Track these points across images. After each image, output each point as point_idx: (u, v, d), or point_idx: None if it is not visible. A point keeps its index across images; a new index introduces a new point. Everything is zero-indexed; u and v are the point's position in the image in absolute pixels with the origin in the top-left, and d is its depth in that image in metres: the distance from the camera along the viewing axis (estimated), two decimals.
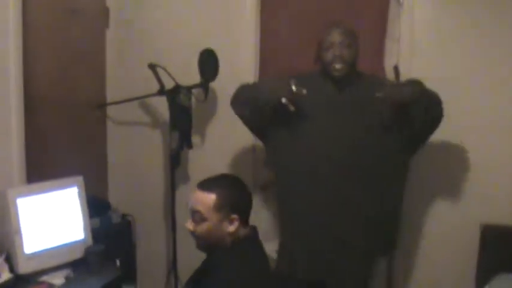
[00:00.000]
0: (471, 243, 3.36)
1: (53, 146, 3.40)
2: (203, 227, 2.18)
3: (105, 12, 3.85)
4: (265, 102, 2.83)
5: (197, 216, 2.19)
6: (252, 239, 2.27)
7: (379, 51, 3.50)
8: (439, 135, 3.38)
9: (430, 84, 3.36)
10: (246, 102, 2.97)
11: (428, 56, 3.43)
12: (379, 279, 3.60)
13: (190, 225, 2.22)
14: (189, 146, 3.52)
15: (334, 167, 2.85)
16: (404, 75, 3.41)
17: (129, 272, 3.50)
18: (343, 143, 2.85)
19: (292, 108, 2.75)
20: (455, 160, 3.45)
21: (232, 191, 2.22)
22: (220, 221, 2.16)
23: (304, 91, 2.74)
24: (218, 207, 2.16)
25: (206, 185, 2.23)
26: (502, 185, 3.38)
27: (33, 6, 3.17)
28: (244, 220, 2.22)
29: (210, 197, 2.17)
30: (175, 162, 3.48)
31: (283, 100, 2.74)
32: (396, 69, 3.42)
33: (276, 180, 3.13)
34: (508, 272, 3.05)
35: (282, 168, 3.04)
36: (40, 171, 3.16)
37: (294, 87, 2.73)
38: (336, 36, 2.83)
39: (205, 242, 2.22)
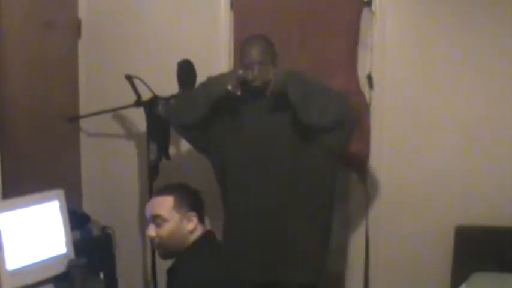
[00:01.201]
0: (446, 244, 3.44)
1: (26, 159, 3.36)
2: (166, 229, 2.30)
3: (77, 23, 3.82)
4: (216, 95, 2.93)
5: (159, 219, 2.30)
6: (210, 237, 2.41)
7: (351, 60, 3.54)
8: (413, 138, 3.48)
9: (403, 92, 3.47)
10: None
11: (401, 65, 3.51)
12: (355, 278, 3.68)
13: (153, 231, 2.32)
14: (167, 157, 3.52)
15: (263, 173, 2.95)
16: (377, 84, 3.51)
17: (111, 284, 3.47)
18: (269, 147, 2.95)
19: (238, 92, 2.85)
20: (428, 162, 3.53)
21: (187, 192, 2.41)
22: (180, 220, 2.30)
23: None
24: (177, 207, 2.31)
25: (163, 190, 2.41)
26: (474, 186, 3.46)
27: (5, 18, 3.15)
28: (201, 219, 2.37)
29: (169, 199, 2.33)
30: (153, 173, 3.46)
31: (229, 87, 2.84)
32: (369, 78, 3.51)
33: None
34: (482, 272, 3.13)
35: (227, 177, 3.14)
36: (14, 185, 3.11)
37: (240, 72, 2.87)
38: (253, 55, 2.90)
39: (168, 246, 2.33)
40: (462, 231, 3.40)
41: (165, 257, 2.38)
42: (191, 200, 2.38)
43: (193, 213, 2.34)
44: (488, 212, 3.42)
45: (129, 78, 3.41)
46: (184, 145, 3.78)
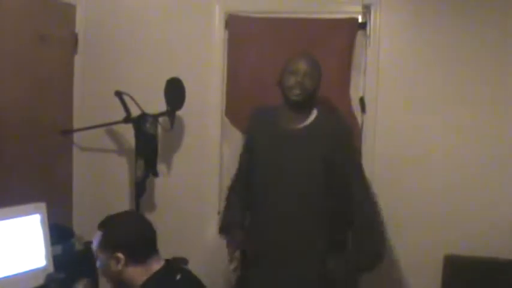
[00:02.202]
0: (435, 273, 3.41)
1: (17, 172, 3.36)
2: (98, 266, 2.19)
3: (74, 38, 3.84)
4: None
5: (95, 255, 2.20)
6: (154, 284, 2.13)
7: (345, 83, 3.54)
8: (404, 163, 3.45)
9: (396, 116, 3.44)
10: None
11: (394, 88, 3.50)
12: None
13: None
14: (155, 174, 3.51)
15: (285, 196, 2.90)
16: (370, 107, 3.48)
17: None
18: (290, 173, 2.90)
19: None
20: (419, 189, 3.51)
21: (119, 229, 2.17)
22: (107, 260, 2.13)
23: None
24: (103, 245, 2.14)
25: (100, 222, 2.22)
26: (464, 216, 3.43)
27: (1, 32, 3.17)
28: (136, 259, 2.12)
29: (98, 235, 2.17)
30: (140, 190, 3.46)
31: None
32: (362, 100, 3.49)
33: None
34: None
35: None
36: (4, 197, 3.11)
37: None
38: (301, 65, 2.89)
39: (112, 284, 2.20)
40: (451, 261, 3.38)
41: None
42: (120, 238, 2.13)
43: (120, 254, 2.09)
44: (478, 242, 3.38)
45: (119, 94, 3.42)
46: (173, 163, 3.79)
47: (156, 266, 2.17)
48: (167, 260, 2.25)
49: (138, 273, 2.12)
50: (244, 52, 3.65)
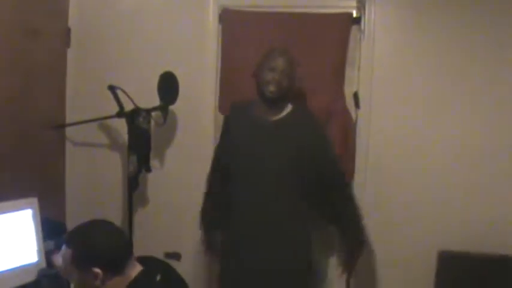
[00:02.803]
0: (428, 269, 3.40)
1: (9, 167, 3.33)
2: (73, 284, 2.07)
3: (67, 32, 3.82)
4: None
5: (65, 274, 2.08)
6: (141, 284, 2.04)
7: (339, 78, 3.52)
8: (398, 159, 3.46)
9: (390, 111, 3.44)
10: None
11: (388, 84, 3.49)
12: None
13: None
14: (148, 169, 3.50)
15: (257, 187, 3.03)
16: (364, 102, 3.48)
17: None
18: (265, 163, 3.02)
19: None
20: (413, 185, 3.50)
21: (91, 244, 2.00)
22: (82, 277, 1.99)
23: None
24: (76, 262, 1.99)
25: (67, 237, 2.07)
26: (459, 211, 3.43)
27: None
28: (116, 270, 2.01)
29: (68, 253, 2.00)
30: (133, 185, 3.44)
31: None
32: (356, 95, 3.49)
33: None
34: None
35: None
36: None
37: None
38: (280, 62, 3.02)
39: None
40: (445, 257, 3.37)
41: None
42: (94, 252, 1.98)
43: (97, 270, 1.95)
44: (472, 238, 3.37)
45: (112, 88, 3.40)
46: (166, 158, 3.78)
47: (133, 272, 2.05)
48: (144, 262, 2.13)
49: (116, 285, 2.00)
50: (238, 46, 3.63)
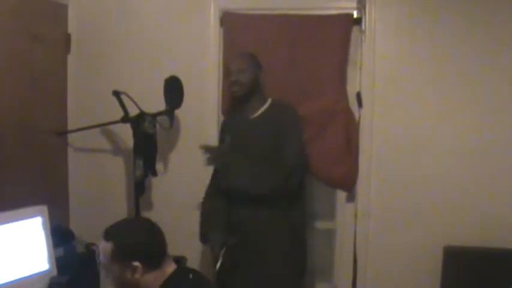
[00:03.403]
0: (434, 264, 3.44)
1: (11, 174, 3.32)
2: (111, 279, 2.11)
3: (67, 38, 3.81)
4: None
5: (104, 268, 2.13)
6: (174, 285, 2.10)
7: (341, 78, 3.54)
8: (402, 157, 3.48)
9: (393, 110, 3.47)
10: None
11: (389, 83, 3.52)
12: None
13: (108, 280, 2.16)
14: (154, 173, 3.50)
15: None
16: (366, 102, 3.50)
17: None
18: (250, 154, 3.17)
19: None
20: (417, 182, 3.53)
21: (131, 238, 2.09)
22: (122, 271, 2.05)
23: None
24: (116, 256, 2.05)
25: (106, 233, 2.12)
26: (464, 207, 3.46)
27: None
28: (153, 265, 2.08)
29: (108, 247, 2.06)
30: (139, 190, 3.43)
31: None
32: (358, 95, 3.51)
33: None
34: None
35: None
36: None
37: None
38: (233, 64, 3.26)
39: None
40: (451, 252, 3.41)
41: None
42: (133, 247, 2.06)
43: (137, 264, 2.03)
44: (477, 233, 3.42)
45: (117, 94, 3.38)
46: (172, 162, 3.78)
47: (169, 268, 2.13)
48: (177, 260, 2.22)
49: (154, 279, 2.07)
50: (240, 49, 3.61)
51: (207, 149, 3.20)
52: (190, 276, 2.17)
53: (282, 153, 3.08)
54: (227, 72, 3.32)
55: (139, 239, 2.09)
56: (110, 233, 2.11)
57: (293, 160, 3.08)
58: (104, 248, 2.09)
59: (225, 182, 3.19)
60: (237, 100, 3.31)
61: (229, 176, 3.16)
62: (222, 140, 3.38)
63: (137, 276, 2.04)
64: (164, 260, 2.12)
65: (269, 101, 3.25)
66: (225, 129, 3.40)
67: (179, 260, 2.25)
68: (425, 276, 3.50)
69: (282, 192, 3.08)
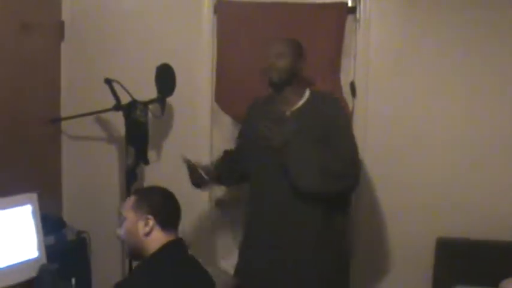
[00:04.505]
0: (427, 256, 3.44)
1: (4, 162, 3.31)
2: (124, 227, 2.30)
3: (60, 25, 3.79)
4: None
5: (121, 218, 2.33)
6: (173, 250, 2.27)
7: (335, 68, 3.52)
8: (396, 147, 3.48)
9: (387, 100, 3.45)
10: None
11: (384, 73, 3.51)
12: None
13: (117, 229, 2.35)
14: (145, 162, 3.48)
15: (277, 184, 2.89)
16: (360, 91, 3.49)
17: None
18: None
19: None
20: (411, 173, 3.52)
21: (152, 196, 2.33)
22: (136, 220, 2.25)
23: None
24: (135, 207, 2.27)
25: (133, 191, 2.48)
26: (457, 198, 3.46)
27: None
28: (163, 225, 2.26)
29: (131, 199, 2.32)
30: (131, 178, 3.41)
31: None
32: (352, 85, 3.49)
33: None
34: (463, 284, 3.13)
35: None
36: None
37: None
38: (272, 47, 2.97)
39: (129, 246, 2.32)
40: (443, 243, 3.41)
41: (130, 256, 2.42)
42: (153, 203, 2.29)
43: (150, 217, 2.24)
44: (470, 224, 3.42)
45: (109, 81, 3.37)
46: (164, 150, 3.77)
47: (173, 236, 2.30)
48: (181, 238, 2.36)
49: (158, 239, 2.24)
50: (234, 37, 3.62)
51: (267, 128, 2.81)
52: (189, 252, 2.34)
53: (335, 146, 2.81)
54: (265, 56, 2.99)
55: (159, 199, 2.33)
56: (136, 190, 2.48)
57: (351, 150, 2.85)
58: (128, 200, 2.35)
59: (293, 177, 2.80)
60: (272, 88, 3.00)
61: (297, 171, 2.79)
62: (244, 128, 3.24)
63: (147, 229, 2.23)
64: (173, 229, 2.31)
65: (307, 93, 2.98)
66: (250, 119, 3.15)
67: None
68: (417, 267, 3.50)
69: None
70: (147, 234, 2.23)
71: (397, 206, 3.54)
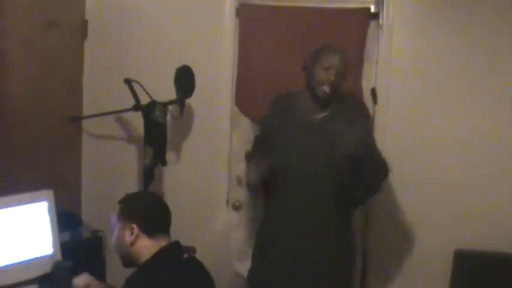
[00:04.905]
0: (444, 268, 3.39)
1: (26, 159, 3.35)
2: (113, 237, 2.34)
3: (84, 24, 3.82)
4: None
5: (111, 228, 2.37)
6: (166, 256, 2.26)
7: (357, 73, 3.49)
8: (416, 155, 3.45)
9: (408, 107, 3.41)
10: None
11: (405, 79, 3.47)
12: None
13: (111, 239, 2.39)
14: (163, 163, 3.49)
15: (304, 186, 2.93)
16: (382, 97, 3.45)
17: None
18: (311, 163, 2.93)
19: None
20: (430, 182, 3.47)
21: (136, 204, 2.36)
22: (122, 230, 2.28)
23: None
24: (120, 216, 2.32)
25: (120, 199, 2.42)
26: (476, 209, 3.40)
27: (10, 17, 3.15)
28: (149, 233, 2.26)
29: (118, 207, 2.36)
30: (148, 178, 3.43)
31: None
32: (373, 91, 3.44)
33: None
34: None
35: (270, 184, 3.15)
36: (12, 184, 3.09)
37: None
38: (336, 62, 2.89)
39: (120, 256, 2.33)
40: (461, 256, 3.35)
41: (124, 265, 2.35)
42: (136, 211, 2.30)
43: (134, 225, 2.25)
44: (489, 236, 3.35)
45: (128, 82, 3.39)
46: (182, 152, 3.77)
47: (164, 242, 2.28)
48: (177, 242, 2.34)
49: (147, 247, 2.24)
50: (255, 41, 3.62)
51: None
52: (185, 256, 2.33)
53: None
54: (316, 63, 2.93)
55: (141, 205, 2.34)
56: (123, 197, 2.42)
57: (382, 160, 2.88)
58: (117, 209, 2.37)
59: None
60: (316, 101, 2.97)
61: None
62: (268, 118, 3.18)
63: (132, 238, 2.24)
64: (161, 233, 2.29)
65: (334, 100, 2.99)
66: (274, 116, 3.12)
67: (178, 244, 2.35)
68: (435, 279, 3.45)
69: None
70: (133, 242, 2.25)
71: (415, 216, 3.49)
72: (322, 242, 2.94)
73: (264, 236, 3.18)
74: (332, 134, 2.82)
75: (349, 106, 3.06)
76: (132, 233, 2.24)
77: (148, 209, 2.33)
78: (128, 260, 2.30)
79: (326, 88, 2.88)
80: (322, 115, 2.97)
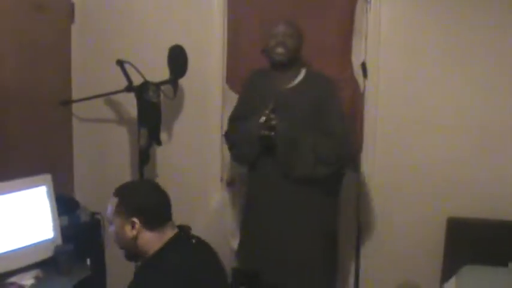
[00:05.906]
0: (437, 236, 3.44)
1: (16, 144, 3.33)
2: (112, 232, 2.20)
3: (71, 7, 3.78)
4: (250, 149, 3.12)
5: (108, 221, 2.24)
6: (174, 247, 2.15)
7: (346, 48, 3.52)
8: (407, 128, 3.48)
9: (397, 81, 3.44)
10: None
11: (395, 53, 3.49)
12: (346, 268, 3.67)
13: (109, 231, 2.25)
14: (158, 142, 3.49)
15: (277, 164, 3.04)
16: (372, 72, 3.48)
17: (99, 271, 3.46)
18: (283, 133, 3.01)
19: (270, 133, 2.99)
20: (422, 153, 3.51)
21: (135, 196, 2.19)
22: (122, 225, 2.15)
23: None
24: (119, 210, 2.16)
25: (116, 189, 2.24)
26: (468, 178, 3.44)
27: None
28: (151, 225, 2.14)
29: (114, 201, 2.19)
30: (144, 159, 3.42)
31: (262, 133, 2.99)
32: (363, 65, 3.48)
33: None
34: (474, 264, 3.11)
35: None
36: (3, 170, 3.09)
37: (262, 118, 2.97)
38: (280, 27, 3.10)
39: (123, 250, 2.23)
40: (454, 223, 3.40)
41: (127, 258, 2.27)
42: (136, 205, 2.15)
43: (136, 220, 2.12)
44: (481, 204, 3.41)
45: (120, 63, 3.37)
46: (176, 131, 3.78)
47: (170, 233, 2.19)
48: (179, 227, 2.27)
49: (152, 240, 2.14)
50: (245, 19, 3.62)
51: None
52: (193, 241, 2.24)
53: (328, 126, 3.01)
54: (268, 38, 3.12)
55: (141, 197, 2.19)
56: (118, 189, 2.23)
57: (342, 130, 3.01)
58: (111, 202, 2.20)
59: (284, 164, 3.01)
60: (275, 66, 3.14)
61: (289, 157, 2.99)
62: (243, 96, 3.34)
63: (134, 232, 2.13)
64: (165, 224, 2.19)
65: (303, 71, 3.15)
66: (249, 90, 3.28)
67: (182, 228, 2.27)
68: (428, 247, 3.51)
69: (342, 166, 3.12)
70: (136, 237, 2.13)
71: (407, 186, 3.53)
72: (303, 211, 3.05)
73: (248, 208, 3.28)
74: (299, 102, 3.05)
75: (317, 76, 3.19)
76: (133, 228, 2.12)
77: (149, 201, 2.19)
78: (133, 253, 2.20)
79: (279, 50, 3.06)
80: (292, 84, 3.12)
